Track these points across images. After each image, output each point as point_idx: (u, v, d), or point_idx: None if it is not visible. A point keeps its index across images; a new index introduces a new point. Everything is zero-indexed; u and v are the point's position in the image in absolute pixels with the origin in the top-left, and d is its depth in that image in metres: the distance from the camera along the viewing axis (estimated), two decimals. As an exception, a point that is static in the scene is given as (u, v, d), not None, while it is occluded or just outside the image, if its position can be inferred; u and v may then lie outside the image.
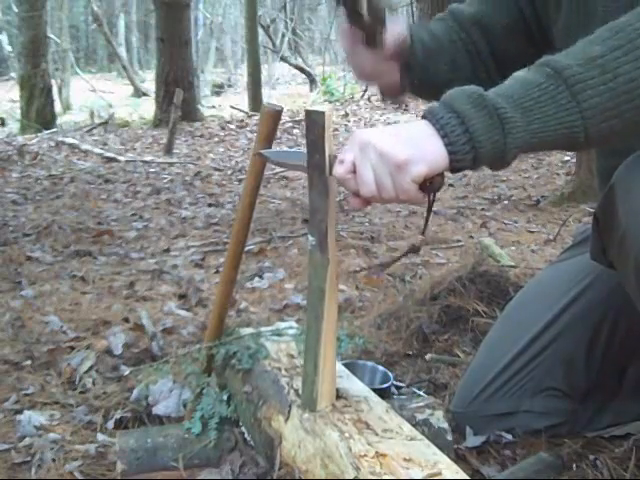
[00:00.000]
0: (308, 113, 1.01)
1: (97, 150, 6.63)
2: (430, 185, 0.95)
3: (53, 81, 11.29)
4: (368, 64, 1.26)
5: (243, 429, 1.27)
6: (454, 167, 0.93)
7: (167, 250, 3.12)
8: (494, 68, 1.36)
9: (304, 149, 1.04)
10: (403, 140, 0.92)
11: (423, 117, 0.94)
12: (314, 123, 1.00)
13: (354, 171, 0.95)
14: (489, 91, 0.93)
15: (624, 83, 0.91)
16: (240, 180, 5.12)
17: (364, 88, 10.82)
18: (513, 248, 2.97)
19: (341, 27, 1.26)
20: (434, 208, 1.04)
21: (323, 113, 0.99)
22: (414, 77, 1.30)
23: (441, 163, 0.92)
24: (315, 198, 1.03)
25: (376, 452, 0.94)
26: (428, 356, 1.81)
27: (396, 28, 1.25)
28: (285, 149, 1.25)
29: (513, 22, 1.32)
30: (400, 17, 1.28)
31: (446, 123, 0.91)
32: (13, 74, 16.69)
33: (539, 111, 0.91)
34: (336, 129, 8.18)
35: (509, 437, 1.40)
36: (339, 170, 0.96)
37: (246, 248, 1.44)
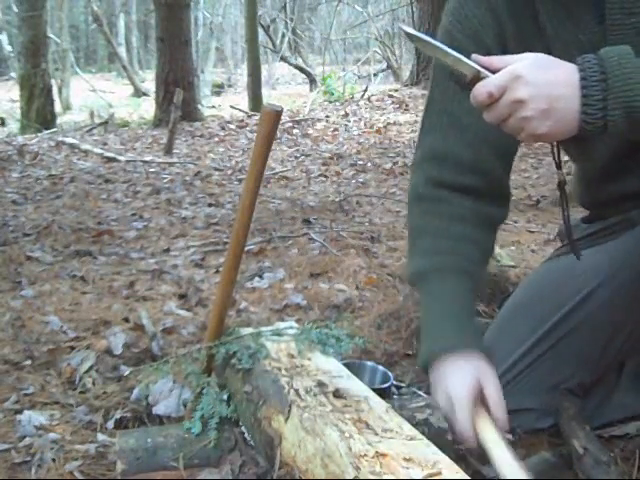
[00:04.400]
0: None
1: (97, 150, 6.62)
2: None
3: (53, 81, 11.30)
4: None
5: (243, 429, 1.27)
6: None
7: (167, 250, 3.11)
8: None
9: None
10: (551, 114, 1.00)
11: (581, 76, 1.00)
12: None
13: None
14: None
15: None
16: (240, 180, 5.12)
17: (364, 88, 10.85)
18: (513, 248, 2.97)
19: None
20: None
21: None
22: None
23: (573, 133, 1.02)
24: None
25: (376, 452, 0.93)
26: (428, 356, 1.81)
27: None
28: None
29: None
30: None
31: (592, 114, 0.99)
32: (13, 74, 16.71)
33: None
34: (336, 129, 8.18)
35: (509, 437, 1.39)
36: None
37: (246, 248, 1.44)
